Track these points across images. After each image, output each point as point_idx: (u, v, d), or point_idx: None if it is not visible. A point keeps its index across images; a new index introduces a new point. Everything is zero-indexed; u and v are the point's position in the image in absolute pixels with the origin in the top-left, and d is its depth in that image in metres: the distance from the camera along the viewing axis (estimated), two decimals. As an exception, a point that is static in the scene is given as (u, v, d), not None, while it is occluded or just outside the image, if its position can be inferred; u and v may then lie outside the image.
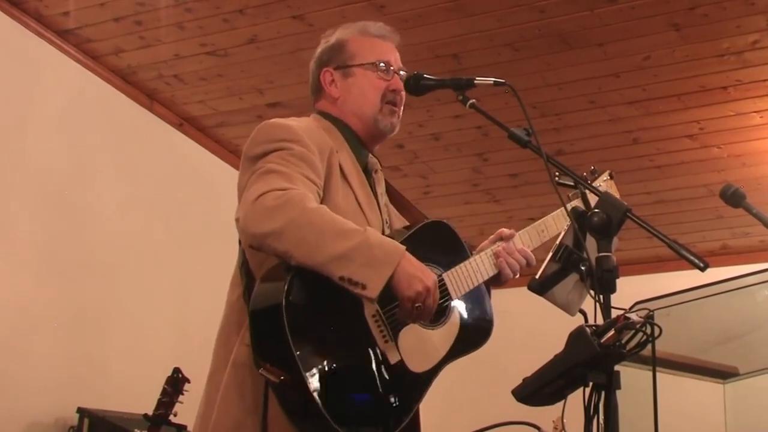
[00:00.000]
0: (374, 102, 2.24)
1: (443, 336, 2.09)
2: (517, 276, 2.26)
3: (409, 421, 1.98)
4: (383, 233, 2.15)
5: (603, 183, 2.48)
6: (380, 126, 2.25)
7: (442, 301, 2.06)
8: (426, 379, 2.04)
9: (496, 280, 2.25)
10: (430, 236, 2.16)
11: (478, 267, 2.19)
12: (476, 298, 2.20)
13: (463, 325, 2.15)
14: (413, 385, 2.01)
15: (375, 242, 1.89)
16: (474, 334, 2.17)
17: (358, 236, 1.88)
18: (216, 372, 2.06)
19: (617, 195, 2.46)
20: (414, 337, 2.02)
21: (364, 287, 1.85)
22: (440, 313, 2.08)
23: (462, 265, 2.16)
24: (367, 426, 1.90)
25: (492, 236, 2.32)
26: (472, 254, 2.22)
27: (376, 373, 1.94)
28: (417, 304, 1.91)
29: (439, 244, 2.16)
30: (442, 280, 2.10)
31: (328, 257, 1.84)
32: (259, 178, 1.96)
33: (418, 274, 1.91)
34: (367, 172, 2.25)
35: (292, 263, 1.87)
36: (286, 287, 1.85)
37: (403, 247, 1.92)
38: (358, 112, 2.24)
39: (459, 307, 2.15)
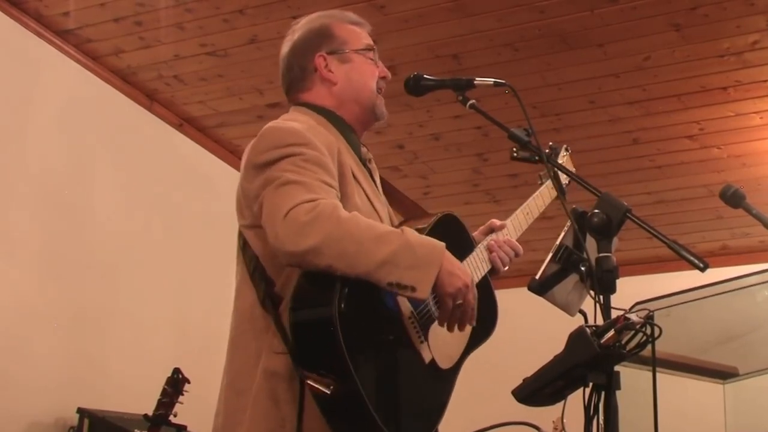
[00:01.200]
0: (372, 88, 2.22)
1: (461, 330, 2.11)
2: (507, 268, 2.27)
3: None
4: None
5: (563, 159, 2.50)
6: (377, 112, 2.23)
7: None
8: (453, 374, 2.07)
9: (491, 273, 2.27)
10: (445, 230, 2.16)
11: (484, 256, 2.22)
12: (483, 286, 2.20)
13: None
14: (444, 381, 2.04)
15: (415, 242, 1.88)
16: (484, 323, 2.18)
17: (397, 238, 1.86)
18: (237, 379, 2.00)
19: (572, 167, 2.52)
20: (438, 334, 2.03)
21: (414, 290, 1.84)
22: None
23: (471, 256, 2.18)
24: (411, 427, 1.92)
25: (482, 227, 2.33)
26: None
27: (415, 375, 1.96)
28: (458, 301, 1.92)
29: (452, 238, 2.15)
30: None
31: (372, 265, 1.82)
32: (278, 191, 1.91)
33: (457, 272, 1.91)
34: (363, 162, 2.22)
35: (336, 275, 1.84)
36: (338, 297, 1.82)
37: (443, 245, 1.92)
38: (358, 97, 2.20)
39: None
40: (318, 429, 1.86)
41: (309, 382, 1.82)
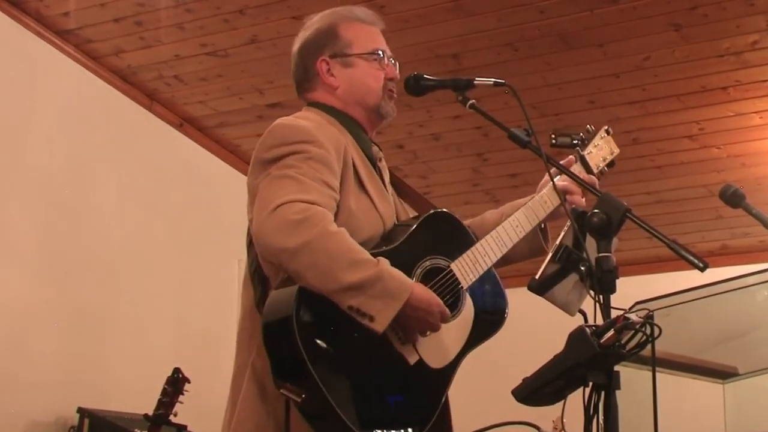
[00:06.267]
0: (376, 91, 2.21)
1: (459, 326, 2.08)
2: (583, 201, 2.25)
3: (438, 414, 2.00)
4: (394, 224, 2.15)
5: (600, 141, 2.45)
6: (383, 112, 2.23)
7: (453, 292, 2.06)
8: (448, 373, 2.04)
9: (550, 217, 2.27)
10: (433, 228, 2.13)
11: (485, 251, 2.16)
12: (487, 281, 2.18)
13: (478, 312, 2.13)
14: (436, 381, 2.01)
15: (387, 276, 1.88)
16: (489, 319, 2.15)
17: (371, 267, 1.86)
18: (236, 376, 2.05)
19: (615, 149, 2.47)
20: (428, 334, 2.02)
21: (372, 319, 1.84)
22: (453, 304, 2.06)
23: (468, 251, 2.13)
24: (395, 430, 1.91)
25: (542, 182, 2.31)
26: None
27: (396, 377, 1.94)
28: (426, 335, 1.96)
29: (442, 234, 2.14)
30: (451, 270, 2.08)
31: (339, 286, 1.83)
32: (275, 183, 1.93)
33: (424, 306, 1.92)
34: (372, 161, 2.22)
35: (300, 284, 1.85)
36: (295, 303, 1.83)
37: (412, 283, 1.93)
38: (361, 101, 2.21)
39: (472, 293, 2.13)
40: (305, 425, 1.87)
41: (282, 391, 1.84)
